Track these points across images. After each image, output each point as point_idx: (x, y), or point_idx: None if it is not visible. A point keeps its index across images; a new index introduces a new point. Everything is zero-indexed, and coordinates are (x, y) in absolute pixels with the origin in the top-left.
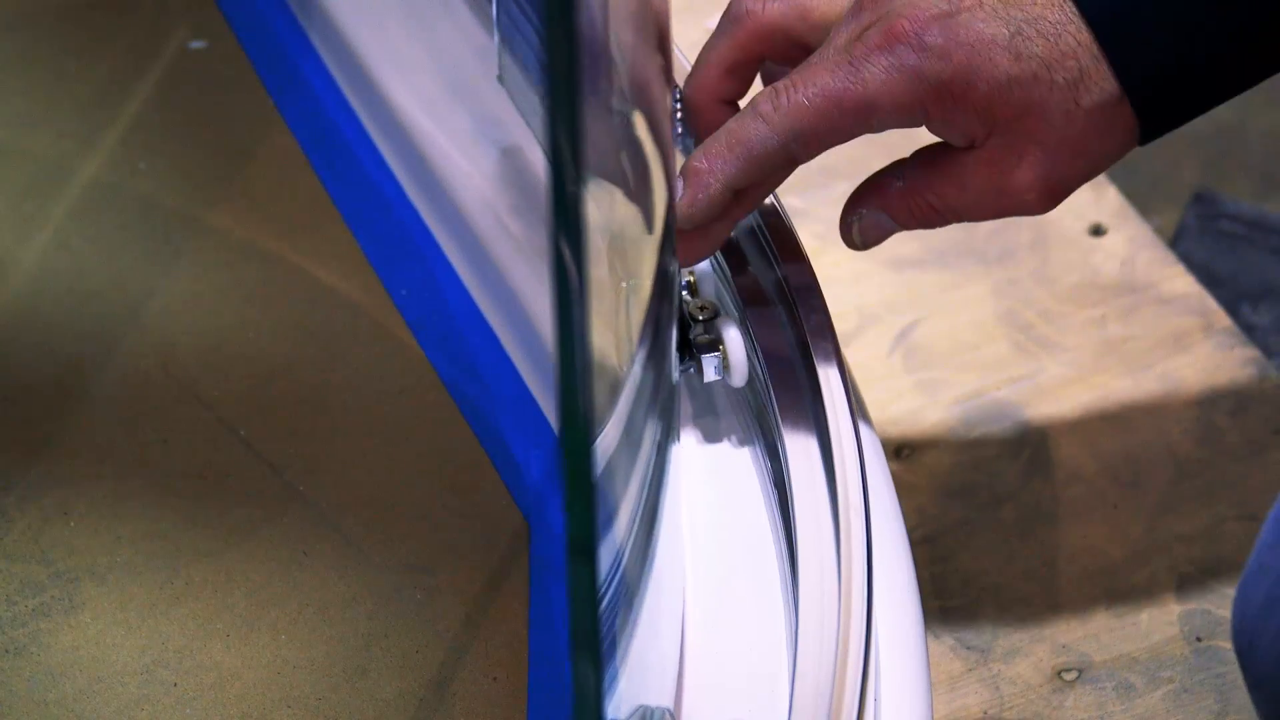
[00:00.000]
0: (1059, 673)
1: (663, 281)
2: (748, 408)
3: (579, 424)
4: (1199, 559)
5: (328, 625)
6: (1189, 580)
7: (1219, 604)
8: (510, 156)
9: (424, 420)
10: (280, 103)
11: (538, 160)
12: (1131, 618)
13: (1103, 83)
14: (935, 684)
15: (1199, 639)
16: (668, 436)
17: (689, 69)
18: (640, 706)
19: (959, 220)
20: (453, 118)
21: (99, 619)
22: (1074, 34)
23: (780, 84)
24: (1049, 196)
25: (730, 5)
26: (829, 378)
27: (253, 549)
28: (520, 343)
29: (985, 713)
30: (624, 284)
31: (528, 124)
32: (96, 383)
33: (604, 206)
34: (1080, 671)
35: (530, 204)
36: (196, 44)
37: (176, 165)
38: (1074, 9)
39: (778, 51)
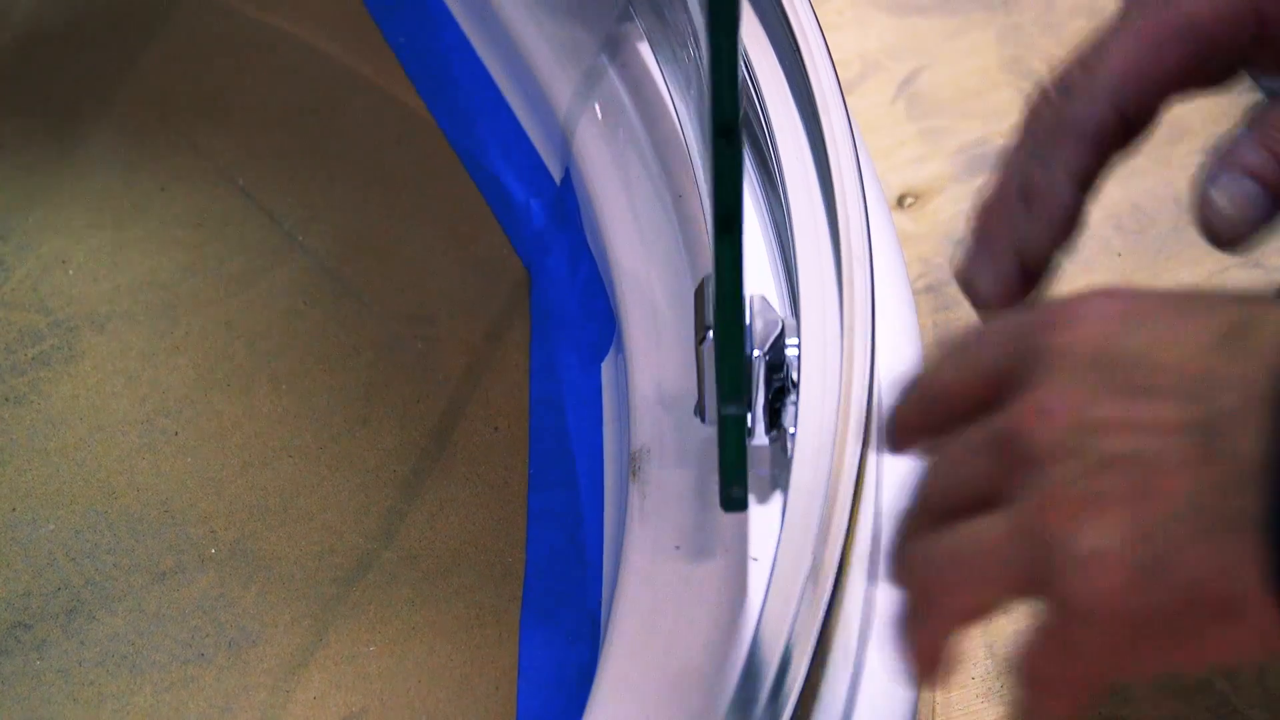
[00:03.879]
0: None
1: None
2: (750, 156)
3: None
4: None
5: (328, 375)
6: None
7: None
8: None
9: (423, 169)
10: None
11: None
12: None
13: None
14: None
15: None
16: None
17: None
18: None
19: None
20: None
21: (99, 368)
22: None
23: None
24: None
25: None
26: (831, 126)
27: (252, 298)
28: (519, 90)
29: None
30: None
31: None
32: (94, 130)
33: None
34: None
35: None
36: None
37: None
38: None
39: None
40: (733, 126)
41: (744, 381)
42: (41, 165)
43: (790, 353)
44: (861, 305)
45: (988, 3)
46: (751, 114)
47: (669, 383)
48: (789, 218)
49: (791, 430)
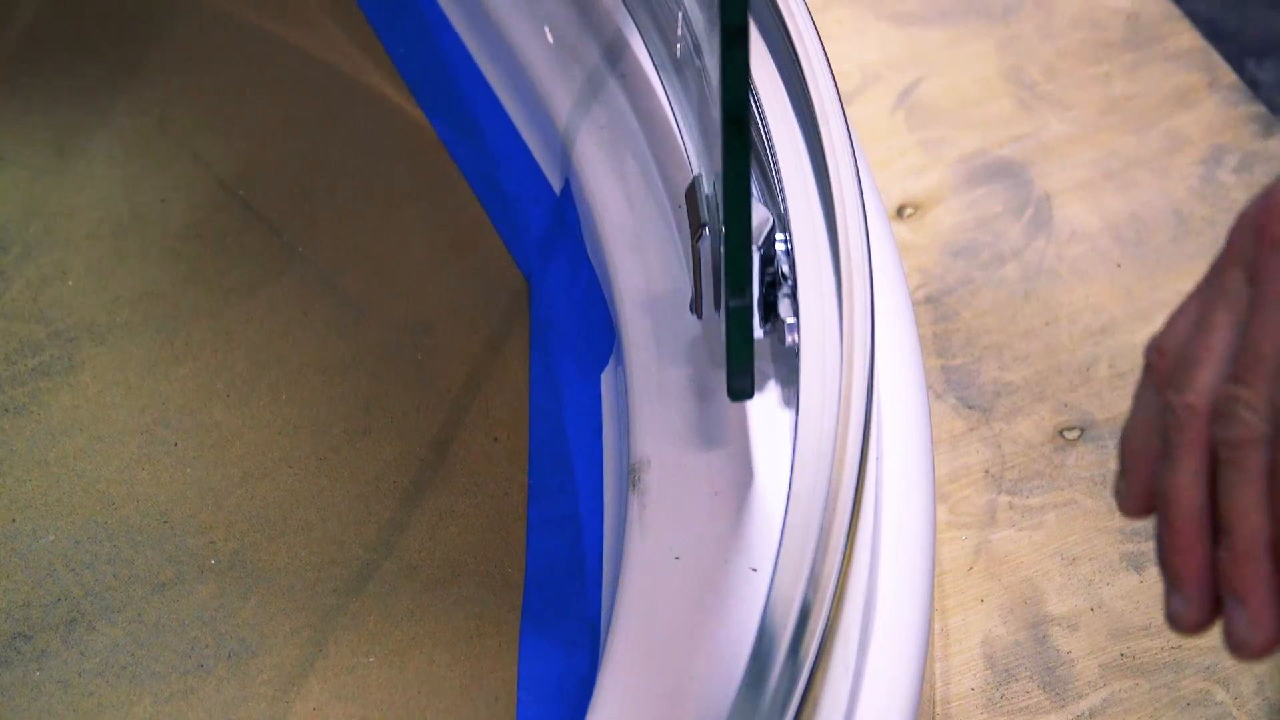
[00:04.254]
0: (1061, 431)
1: None
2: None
3: None
4: None
5: (328, 385)
6: None
7: None
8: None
9: (423, 179)
10: None
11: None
12: (1134, 376)
13: None
14: (937, 443)
15: None
16: None
17: None
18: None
19: None
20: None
21: (98, 378)
22: None
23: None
24: None
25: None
26: (831, 136)
27: (252, 309)
28: (519, 100)
29: (987, 471)
30: None
31: None
32: (94, 142)
33: None
34: (1082, 430)
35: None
36: None
37: None
38: None
39: None
40: (742, 30)
41: (749, 274)
42: (42, 176)
43: (779, 247)
44: (861, 316)
45: (987, 13)
46: (752, 124)
47: (669, 394)
48: (789, 228)
49: (790, 321)
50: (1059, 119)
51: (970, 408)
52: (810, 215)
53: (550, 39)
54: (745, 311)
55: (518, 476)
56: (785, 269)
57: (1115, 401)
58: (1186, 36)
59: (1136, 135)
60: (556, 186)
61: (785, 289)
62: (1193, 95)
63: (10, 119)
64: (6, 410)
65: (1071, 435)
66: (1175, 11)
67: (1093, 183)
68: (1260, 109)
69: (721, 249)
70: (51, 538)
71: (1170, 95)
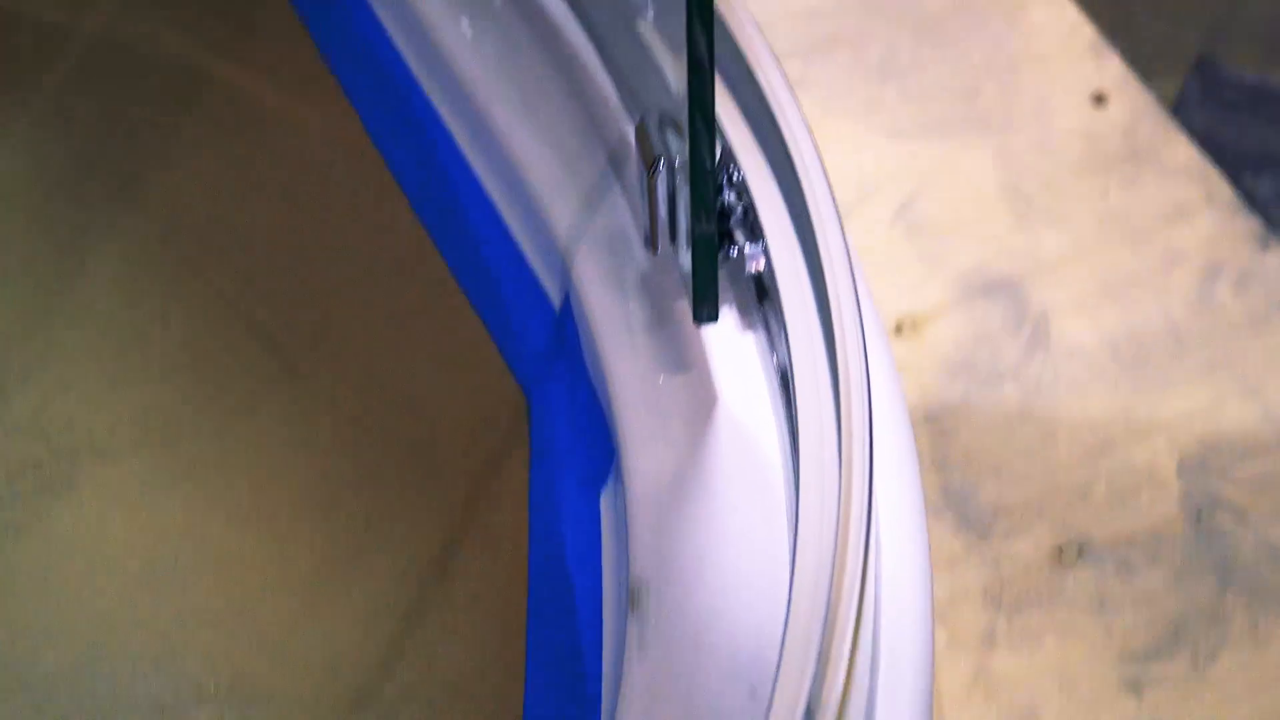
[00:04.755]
0: (1059, 551)
1: None
2: (747, 281)
3: None
4: (1200, 435)
5: (328, 504)
6: (1190, 457)
7: (1220, 482)
8: (511, 25)
9: (422, 294)
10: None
11: (538, 27)
12: (1132, 496)
13: None
14: (935, 563)
15: (1199, 518)
16: None
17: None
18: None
19: None
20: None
21: (99, 497)
22: None
23: None
24: None
25: None
26: (829, 251)
27: (253, 426)
28: (519, 213)
29: (985, 591)
30: None
31: None
32: (98, 258)
33: None
34: (1081, 550)
35: (530, 72)
36: None
37: (176, 27)
38: None
39: None
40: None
41: (713, 203)
42: (44, 292)
43: (735, 176)
44: (860, 436)
45: (984, 127)
46: (749, 239)
47: (668, 514)
48: (787, 345)
49: (748, 249)
50: (1056, 233)
51: (969, 527)
52: (809, 332)
53: (551, 151)
54: (709, 238)
55: (517, 597)
56: (733, 197)
57: (1114, 521)
58: (1183, 151)
59: (1133, 250)
60: (556, 302)
61: (737, 216)
62: (1189, 210)
63: (12, 235)
64: (7, 530)
65: (1070, 555)
66: (1171, 126)
67: (1090, 298)
68: (1257, 224)
69: (680, 182)
70: (52, 661)
71: (1167, 210)
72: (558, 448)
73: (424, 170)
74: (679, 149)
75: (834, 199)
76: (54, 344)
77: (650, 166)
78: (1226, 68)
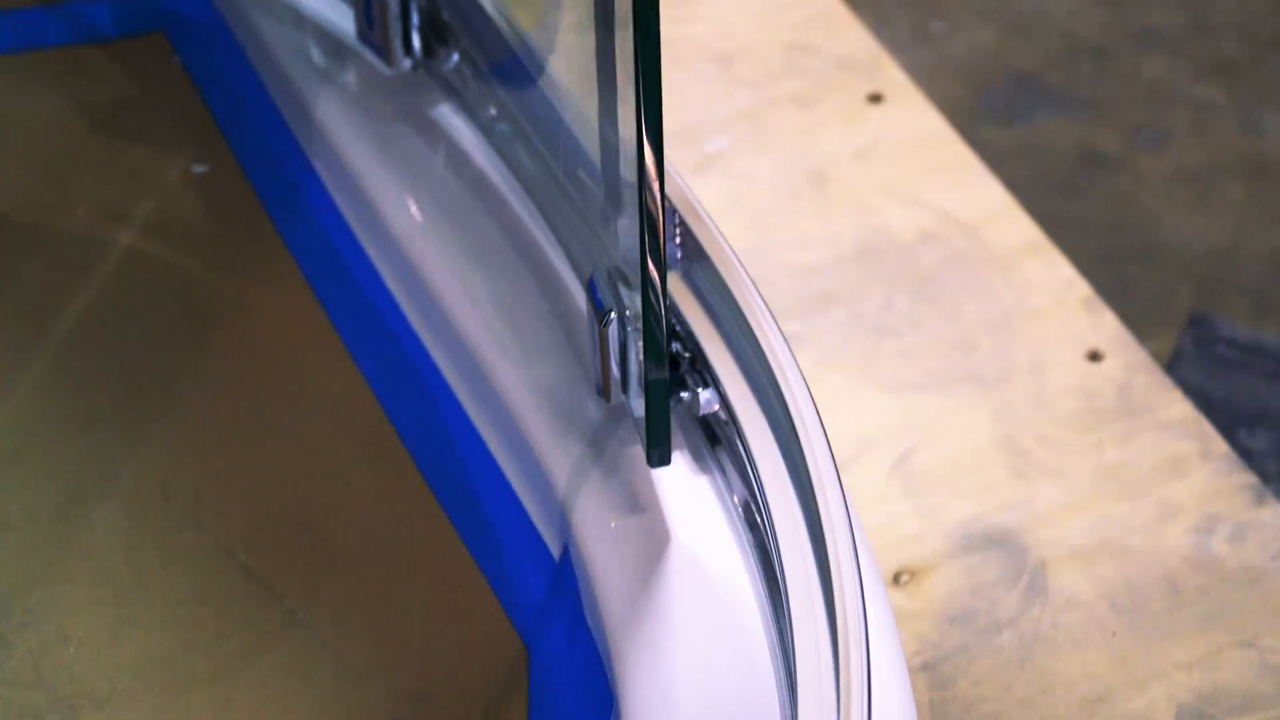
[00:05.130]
0: None
1: None
2: (748, 535)
3: None
4: (1197, 687)
5: None
6: (1187, 708)
7: None
8: (511, 283)
9: (423, 544)
10: (282, 226)
11: (537, 287)
12: None
13: None
14: None
15: None
16: None
17: (680, 184)
18: None
19: None
20: (453, 244)
21: None
22: None
23: None
24: None
25: None
26: (828, 504)
27: (252, 676)
28: (519, 466)
29: None
30: None
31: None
32: (98, 509)
33: None
34: None
35: (531, 330)
36: (199, 168)
37: (178, 289)
38: None
39: None
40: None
41: (665, 350)
42: (44, 543)
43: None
44: (858, 686)
45: (981, 381)
46: (749, 493)
47: None
48: (785, 595)
49: (700, 394)
50: (1053, 486)
51: None
52: (808, 584)
53: (550, 406)
54: (662, 384)
55: None
56: (678, 346)
57: None
58: (1178, 406)
59: (1130, 503)
60: (555, 552)
61: (684, 366)
62: (1185, 464)
63: (15, 486)
64: None
65: None
66: (1167, 381)
67: (1087, 550)
68: (1252, 478)
69: (630, 332)
70: None
71: (1163, 464)
72: (557, 697)
73: (426, 423)
74: (629, 301)
75: (833, 457)
76: (54, 593)
77: (601, 319)
78: (1220, 324)
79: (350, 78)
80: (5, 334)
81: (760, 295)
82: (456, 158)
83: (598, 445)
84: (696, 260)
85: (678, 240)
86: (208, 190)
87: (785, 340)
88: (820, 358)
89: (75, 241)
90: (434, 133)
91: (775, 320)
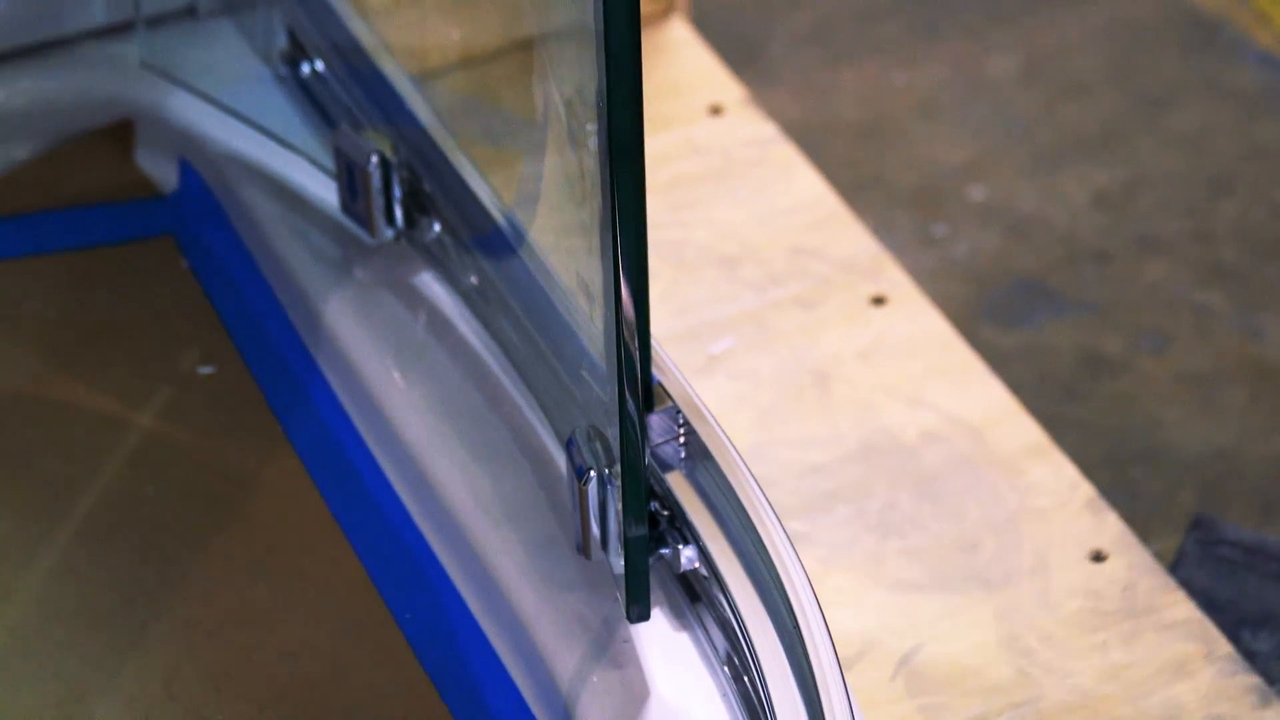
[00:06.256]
0: None
1: None
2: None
3: None
4: None
5: None
6: None
7: None
8: (516, 483)
9: None
10: (287, 427)
11: (542, 486)
12: None
13: None
14: None
15: None
16: None
17: (684, 385)
18: None
19: None
20: (457, 444)
21: None
22: None
23: None
24: None
25: None
26: (831, 705)
27: None
28: (524, 668)
29: None
30: None
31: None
32: (101, 706)
33: None
34: None
35: (534, 528)
36: (205, 369)
37: (183, 488)
38: None
39: None
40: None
41: (644, 509)
42: None
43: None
44: None
45: (985, 581)
46: (752, 691)
47: None
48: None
49: (682, 550)
50: (1057, 687)
51: None
52: None
53: (554, 604)
54: (641, 540)
55: None
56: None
57: None
58: (1182, 607)
59: (1134, 705)
60: None
61: (663, 525)
62: (1189, 665)
63: (19, 683)
64: None
65: None
66: (1170, 583)
67: None
68: (1257, 679)
69: (610, 490)
70: None
71: (1167, 665)
72: None
73: (429, 621)
74: (608, 460)
75: (838, 660)
76: None
77: (581, 478)
78: (1223, 526)
79: (360, 272)
80: (16, 529)
81: (763, 493)
82: (438, 324)
83: (579, 603)
84: (700, 460)
85: (681, 440)
86: (214, 390)
87: (789, 539)
88: (824, 556)
89: (84, 439)
90: (416, 300)
91: (778, 518)
